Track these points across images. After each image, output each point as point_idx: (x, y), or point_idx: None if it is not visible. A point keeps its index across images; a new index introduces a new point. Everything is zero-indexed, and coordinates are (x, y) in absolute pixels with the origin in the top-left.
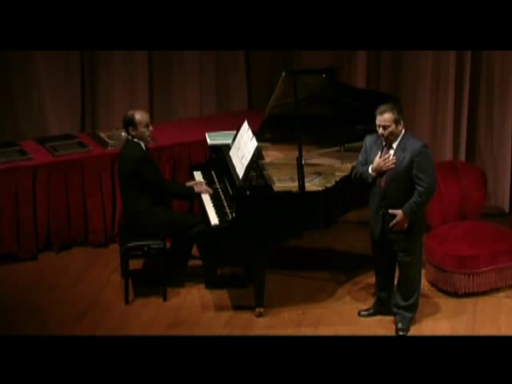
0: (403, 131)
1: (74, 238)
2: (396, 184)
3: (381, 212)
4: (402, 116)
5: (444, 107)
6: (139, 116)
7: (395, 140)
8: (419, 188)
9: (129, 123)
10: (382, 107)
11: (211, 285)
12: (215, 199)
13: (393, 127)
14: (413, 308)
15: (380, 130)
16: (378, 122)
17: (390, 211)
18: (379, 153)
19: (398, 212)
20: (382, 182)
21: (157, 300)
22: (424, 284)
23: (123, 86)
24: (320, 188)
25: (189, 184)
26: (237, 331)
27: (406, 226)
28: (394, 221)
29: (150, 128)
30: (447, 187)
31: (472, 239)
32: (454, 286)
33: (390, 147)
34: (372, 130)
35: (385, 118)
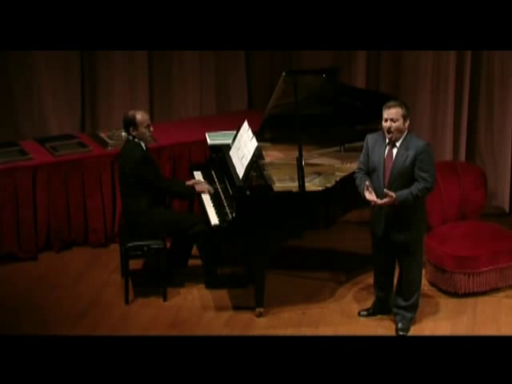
0: (406, 130)
1: (74, 238)
2: (399, 182)
3: (383, 212)
4: (408, 114)
5: (444, 107)
6: (140, 116)
7: (399, 138)
8: (421, 185)
9: (129, 123)
10: (392, 102)
11: (211, 285)
12: (215, 199)
13: (400, 122)
14: (413, 308)
15: (387, 124)
16: (385, 116)
17: (386, 191)
18: (373, 194)
19: (392, 194)
20: (385, 180)
21: (157, 300)
22: (424, 284)
23: (123, 86)
24: (320, 188)
25: (189, 183)
26: (237, 331)
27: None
28: (385, 200)
29: (151, 128)
30: (447, 187)
31: (472, 239)
32: (454, 286)
33: (394, 146)
34: (372, 129)
35: (394, 111)
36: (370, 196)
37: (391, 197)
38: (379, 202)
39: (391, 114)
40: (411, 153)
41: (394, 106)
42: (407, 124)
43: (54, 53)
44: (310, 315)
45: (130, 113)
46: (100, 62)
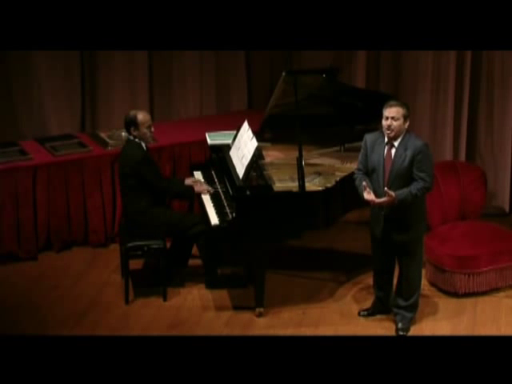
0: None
1: (74, 238)
2: (398, 182)
3: (383, 212)
4: (409, 115)
5: (444, 107)
6: (142, 116)
7: (398, 137)
8: (420, 184)
9: (131, 123)
10: (393, 101)
11: (211, 285)
12: (215, 199)
13: (401, 121)
14: (413, 308)
15: (388, 122)
16: (386, 114)
17: (386, 189)
18: (372, 194)
19: (392, 194)
20: (385, 181)
21: (157, 300)
22: (424, 284)
23: (123, 86)
24: (320, 188)
25: (188, 181)
26: (237, 331)
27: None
28: (384, 199)
29: (152, 129)
30: (447, 187)
31: (472, 239)
32: (454, 286)
33: (392, 146)
34: (372, 129)
35: (395, 110)
36: (369, 196)
37: (391, 196)
38: (377, 201)
39: (392, 113)
40: (409, 153)
41: (395, 105)
42: (407, 124)
43: (54, 53)
44: (310, 315)
45: (132, 113)
46: (100, 62)
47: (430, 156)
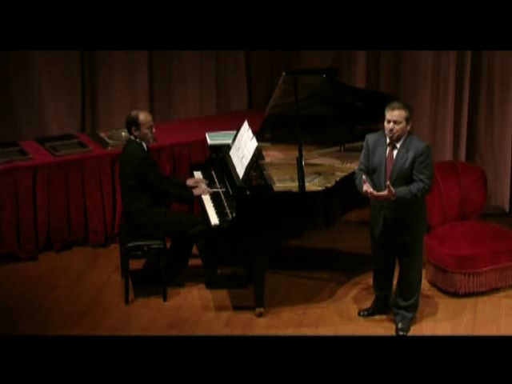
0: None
1: (74, 238)
2: (399, 183)
3: (383, 213)
4: (411, 117)
5: (444, 107)
6: (143, 117)
7: (400, 139)
8: (419, 185)
9: (132, 123)
10: (395, 103)
11: (211, 285)
12: (215, 199)
13: (403, 124)
14: (413, 308)
15: (390, 125)
16: (389, 117)
17: (388, 183)
18: (370, 187)
19: (392, 189)
20: (386, 181)
21: (157, 300)
22: (424, 284)
23: (123, 86)
24: (320, 188)
25: (189, 182)
26: (237, 331)
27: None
28: (383, 193)
29: (153, 130)
30: (447, 187)
31: (472, 239)
32: (454, 285)
33: (394, 147)
34: (372, 129)
35: (398, 113)
36: (367, 188)
37: (390, 192)
38: (376, 193)
39: (394, 116)
40: (411, 154)
41: (397, 108)
42: (409, 126)
43: (54, 53)
44: (310, 315)
45: (133, 113)
46: (100, 62)
47: (431, 158)
